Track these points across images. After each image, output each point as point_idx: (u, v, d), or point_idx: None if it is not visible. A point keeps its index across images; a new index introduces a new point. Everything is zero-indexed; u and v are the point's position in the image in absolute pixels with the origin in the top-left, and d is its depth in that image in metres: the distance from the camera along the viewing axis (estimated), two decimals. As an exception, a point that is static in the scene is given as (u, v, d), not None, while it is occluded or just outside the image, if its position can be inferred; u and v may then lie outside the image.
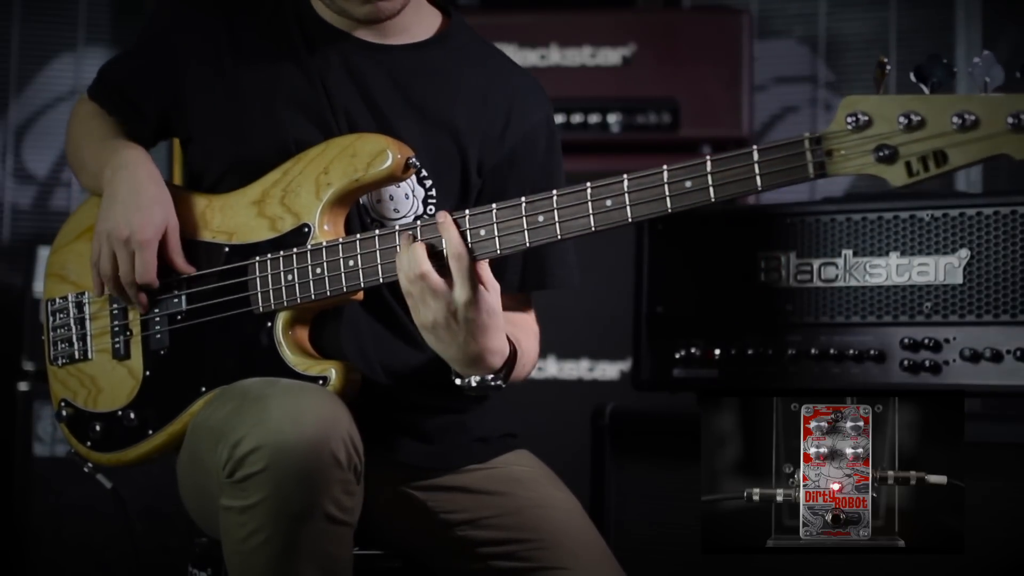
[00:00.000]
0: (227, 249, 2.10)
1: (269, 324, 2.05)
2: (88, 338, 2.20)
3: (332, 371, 2.00)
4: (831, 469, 1.95)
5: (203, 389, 2.07)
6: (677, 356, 2.57)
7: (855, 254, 2.44)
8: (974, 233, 2.34)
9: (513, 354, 2.01)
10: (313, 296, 2.03)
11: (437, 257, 1.92)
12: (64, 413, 2.19)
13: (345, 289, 2.01)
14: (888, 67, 1.72)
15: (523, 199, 1.91)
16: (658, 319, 2.60)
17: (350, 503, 1.85)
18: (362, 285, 2.00)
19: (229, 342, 2.08)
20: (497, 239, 1.92)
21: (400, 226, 1.98)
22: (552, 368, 3.51)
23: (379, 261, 1.98)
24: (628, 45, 3.70)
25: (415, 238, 1.93)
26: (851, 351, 2.42)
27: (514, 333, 2.07)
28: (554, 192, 1.89)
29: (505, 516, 2.11)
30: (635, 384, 2.64)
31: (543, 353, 3.46)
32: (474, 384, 1.97)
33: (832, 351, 2.44)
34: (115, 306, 2.17)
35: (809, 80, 4.26)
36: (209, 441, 1.90)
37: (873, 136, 1.71)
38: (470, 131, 2.15)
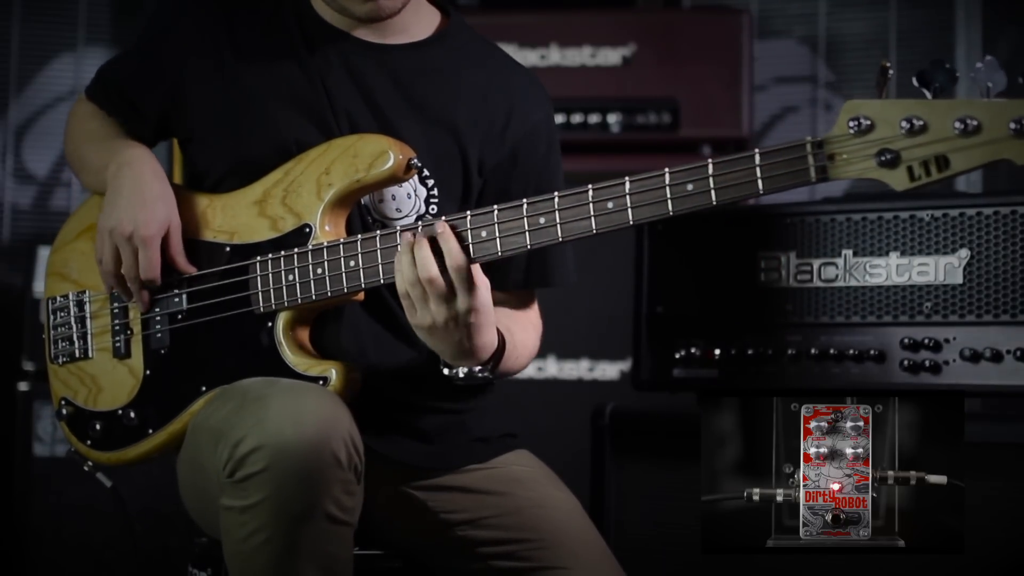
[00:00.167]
0: (228, 249, 2.10)
1: (270, 324, 2.06)
2: (89, 337, 2.20)
3: (332, 371, 2.00)
4: (831, 469, 1.95)
5: (203, 389, 2.08)
6: (677, 356, 2.57)
7: (855, 254, 2.44)
8: (974, 233, 2.35)
9: (502, 345, 2.01)
10: (314, 296, 2.03)
11: (438, 257, 1.92)
12: (64, 412, 2.19)
13: (346, 289, 2.01)
14: (891, 71, 1.72)
15: (524, 200, 1.91)
16: (658, 319, 2.60)
17: (350, 503, 1.85)
18: (362, 285, 2.01)
19: (230, 342, 2.08)
20: (498, 240, 1.92)
21: (402, 226, 1.98)
22: (552, 368, 3.51)
23: (380, 261, 1.98)
24: (628, 45, 3.70)
25: (415, 239, 1.93)
26: (851, 351, 2.42)
27: (507, 325, 2.07)
28: (555, 194, 1.89)
29: (505, 516, 2.11)
30: (635, 384, 2.64)
31: (543, 353, 3.47)
32: (461, 375, 1.99)
33: (832, 351, 2.44)
34: (116, 305, 2.17)
35: (809, 80, 4.26)
36: (209, 441, 1.90)
37: (875, 140, 1.71)
38: (471, 130, 2.15)
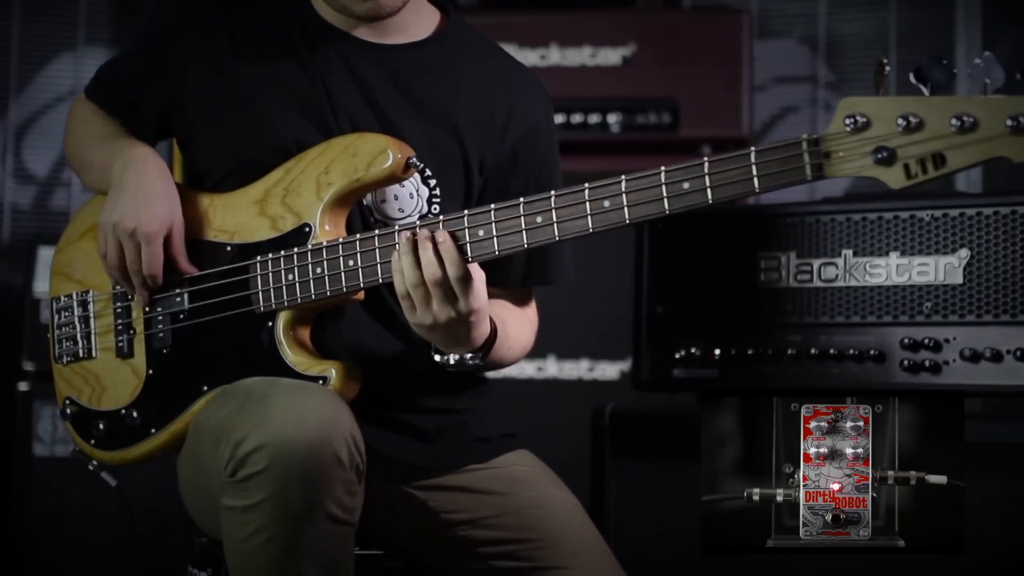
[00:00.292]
0: (229, 248, 2.10)
1: (270, 324, 2.06)
2: (92, 336, 2.20)
3: (332, 371, 2.00)
4: (831, 469, 1.95)
5: (205, 388, 2.08)
6: (677, 356, 2.57)
7: (855, 254, 2.44)
8: (974, 233, 2.34)
9: (493, 334, 2.02)
10: (313, 296, 2.03)
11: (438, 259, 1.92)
12: (69, 411, 2.20)
13: (345, 289, 2.01)
14: (887, 68, 1.72)
15: (521, 200, 1.91)
16: (658, 319, 2.60)
17: (352, 503, 1.85)
18: (361, 285, 2.01)
19: (230, 341, 2.08)
20: (495, 240, 1.92)
21: (399, 226, 1.99)
22: (552, 368, 3.51)
23: (378, 261, 1.98)
24: (628, 45, 3.70)
25: (415, 239, 1.93)
26: (851, 351, 2.42)
27: (502, 316, 2.08)
28: (552, 193, 1.89)
29: (505, 516, 2.11)
30: (635, 384, 2.64)
31: (543, 353, 3.48)
32: (452, 362, 2.00)
33: (832, 351, 2.44)
34: (119, 305, 2.17)
35: (809, 80, 4.26)
36: (210, 441, 1.90)
37: (871, 138, 1.71)
38: (472, 129, 2.15)
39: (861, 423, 1.95)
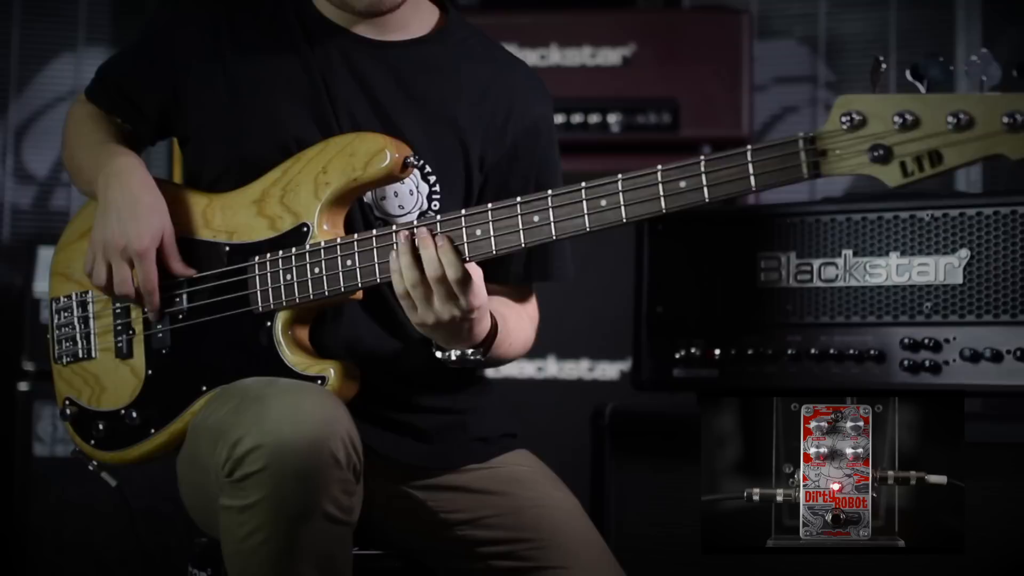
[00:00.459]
0: (227, 248, 2.10)
1: (268, 324, 2.06)
2: (92, 337, 2.20)
3: (331, 371, 2.00)
4: (831, 469, 1.95)
5: (204, 388, 2.08)
6: (677, 356, 2.56)
7: (855, 254, 2.43)
8: (974, 233, 2.34)
9: (494, 329, 2.02)
10: (312, 296, 2.03)
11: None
12: (68, 412, 2.20)
13: (343, 289, 2.01)
14: (884, 66, 1.71)
15: (518, 199, 1.91)
16: (658, 319, 2.59)
17: (349, 503, 1.85)
18: (360, 285, 2.01)
19: (229, 341, 2.08)
20: (493, 239, 1.92)
21: (397, 226, 1.99)
22: (552, 368, 3.51)
23: (376, 261, 1.98)
24: (628, 45, 3.70)
25: (412, 239, 1.93)
26: (851, 351, 2.42)
27: (503, 312, 2.08)
28: (549, 192, 1.89)
29: (505, 516, 2.11)
30: (635, 384, 2.64)
31: (543, 353, 3.48)
32: (454, 358, 2.00)
33: (832, 351, 2.44)
34: (118, 305, 2.17)
35: (809, 80, 4.26)
36: (208, 440, 1.90)
37: (867, 136, 1.70)
38: (472, 126, 2.16)
39: (861, 423, 1.95)
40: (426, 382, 2.14)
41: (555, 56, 3.72)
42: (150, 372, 2.14)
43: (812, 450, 1.96)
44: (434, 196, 2.13)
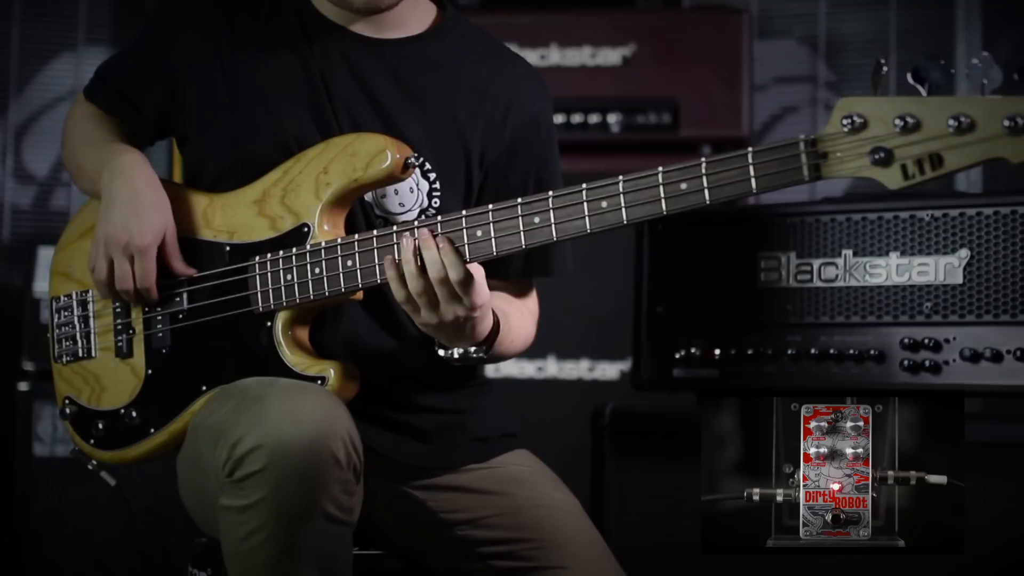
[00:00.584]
0: (228, 248, 2.10)
1: (269, 324, 2.06)
2: (92, 336, 2.20)
3: (331, 371, 2.00)
4: (831, 469, 1.95)
5: (204, 388, 2.08)
6: (677, 356, 2.56)
7: (855, 254, 2.43)
8: (974, 233, 2.34)
9: (496, 326, 2.03)
10: (312, 296, 2.03)
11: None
12: (68, 411, 2.20)
13: (344, 289, 2.01)
14: (885, 68, 1.71)
15: (519, 200, 1.91)
16: (658, 319, 2.59)
17: (349, 503, 1.85)
18: (360, 285, 2.01)
19: (229, 341, 2.08)
20: (493, 240, 1.92)
21: (401, 223, 1.99)
22: (552, 368, 3.51)
23: (376, 261, 1.98)
24: (628, 45, 3.70)
25: (416, 247, 1.93)
26: (851, 351, 2.42)
27: (504, 309, 2.08)
28: (550, 194, 1.89)
29: (505, 516, 2.11)
30: (635, 384, 2.64)
31: (543, 353, 3.48)
32: (456, 356, 2.00)
33: (832, 351, 2.44)
34: (117, 304, 2.17)
35: (809, 80, 4.26)
36: (208, 441, 1.90)
37: (869, 138, 1.70)
38: (471, 123, 2.16)
39: (861, 423, 1.95)
40: (426, 382, 2.14)
41: (555, 56, 3.72)
42: (150, 371, 2.14)
43: (812, 450, 1.96)
44: (434, 193, 2.13)
